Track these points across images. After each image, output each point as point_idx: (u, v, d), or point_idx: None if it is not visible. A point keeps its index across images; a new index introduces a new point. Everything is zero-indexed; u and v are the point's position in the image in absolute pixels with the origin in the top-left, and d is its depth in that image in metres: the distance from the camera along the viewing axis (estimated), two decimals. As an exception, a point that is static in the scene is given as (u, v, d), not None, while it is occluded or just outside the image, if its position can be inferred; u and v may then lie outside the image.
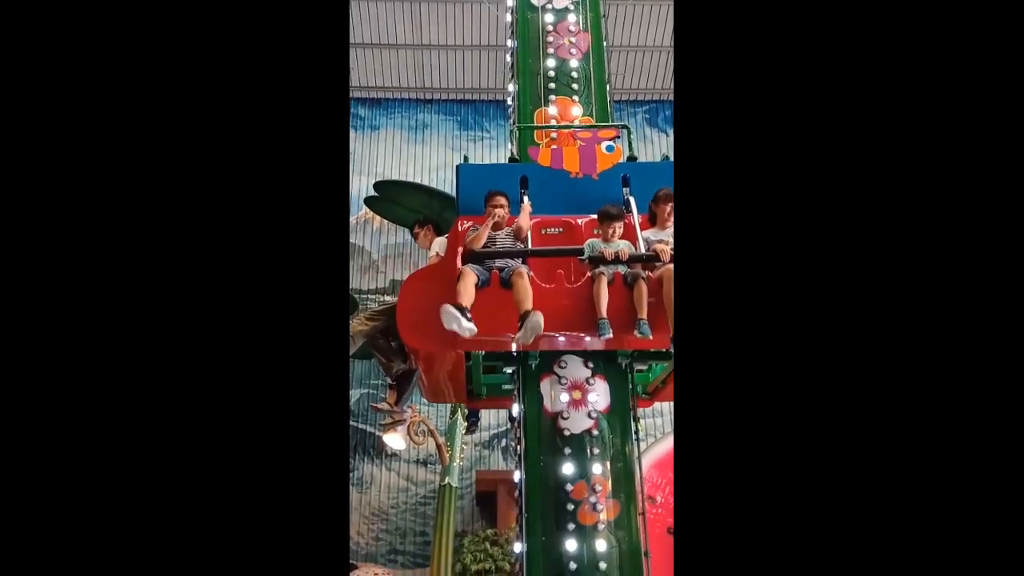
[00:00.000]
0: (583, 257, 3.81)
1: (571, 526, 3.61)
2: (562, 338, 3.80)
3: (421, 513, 8.15)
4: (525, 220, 3.96)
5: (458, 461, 7.52)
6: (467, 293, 3.59)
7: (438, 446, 7.29)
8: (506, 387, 4.41)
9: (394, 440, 6.62)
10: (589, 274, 3.73)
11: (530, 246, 3.97)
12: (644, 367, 4.33)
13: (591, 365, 3.97)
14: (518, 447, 3.97)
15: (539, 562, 3.60)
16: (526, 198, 4.12)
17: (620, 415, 3.93)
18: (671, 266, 3.63)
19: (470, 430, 6.36)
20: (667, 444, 7.09)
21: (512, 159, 4.54)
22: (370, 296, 9.34)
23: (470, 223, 4.06)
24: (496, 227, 3.99)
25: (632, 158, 4.51)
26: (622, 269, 3.80)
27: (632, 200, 4.16)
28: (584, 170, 4.30)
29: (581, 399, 3.89)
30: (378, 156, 9.94)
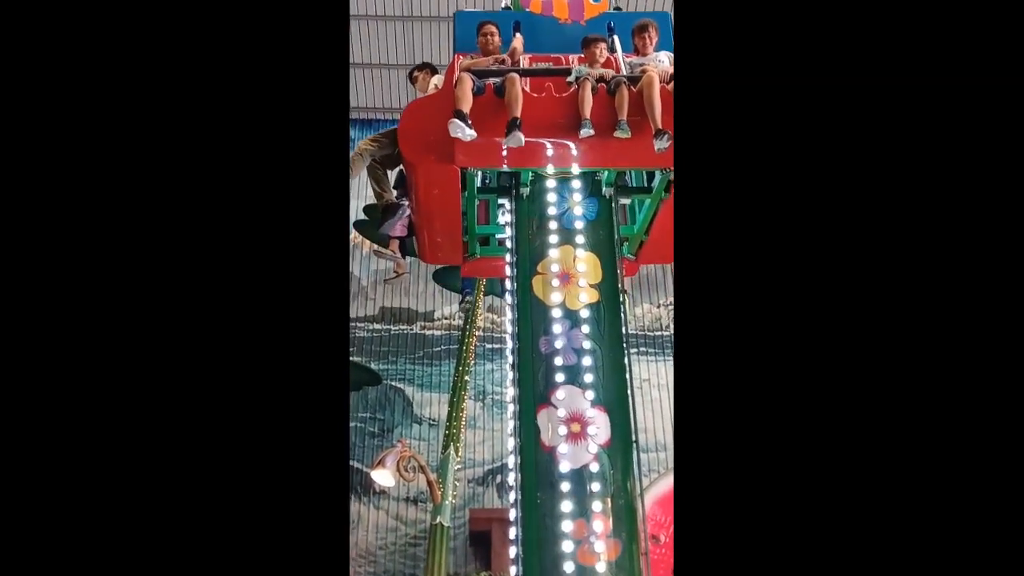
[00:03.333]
0: (571, 78, 4.21)
1: (570, 567, 3.64)
2: (550, 148, 4.25)
3: (411, 555, 8.13)
4: (519, 44, 4.47)
5: (450, 499, 7.50)
6: (465, 98, 4.07)
7: (429, 483, 7.27)
8: (500, 237, 4.86)
9: (383, 477, 6.62)
10: (575, 83, 4.16)
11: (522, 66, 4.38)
12: (627, 200, 4.79)
13: (590, 396, 4.04)
14: (514, 483, 4.01)
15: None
16: (518, 35, 4.63)
17: (622, 450, 3.98)
18: (652, 72, 4.14)
19: (464, 304, 6.40)
20: (670, 480, 7.11)
21: (506, 8, 5.13)
22: (359, 324, 9.41)
23: (466, 58, 4.49)
24: (489, 55, 4.48)
25: (617, 8, 5.08)
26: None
27: (617, 40, 4.60)
28: (572, 16, 4.87)
29: (580, 432, 3.94)
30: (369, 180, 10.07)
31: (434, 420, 8.84)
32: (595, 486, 3.83)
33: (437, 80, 4.80)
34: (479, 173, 4.73)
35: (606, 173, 4.57)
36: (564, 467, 3.86)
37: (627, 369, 4.22)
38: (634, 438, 4.03)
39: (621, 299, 4.33)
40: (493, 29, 4.59)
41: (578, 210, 4.49)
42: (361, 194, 9.90)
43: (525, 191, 4.52)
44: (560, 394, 4.03)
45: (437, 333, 9.60)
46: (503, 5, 5.21)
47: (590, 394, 4.03)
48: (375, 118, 10.41)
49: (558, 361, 4.12)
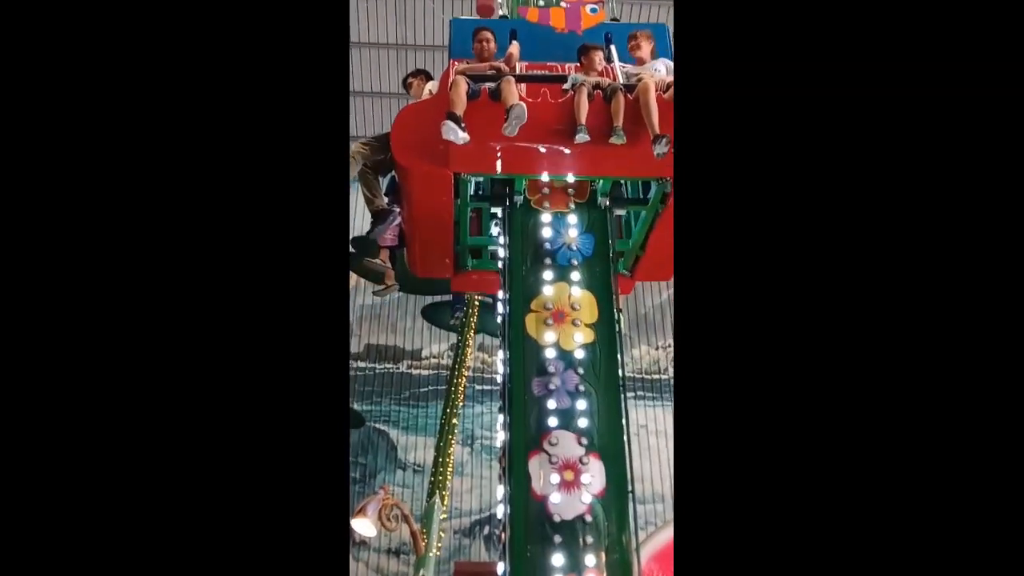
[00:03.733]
0: (567, 86, 4.29)
1: (561, 628, 3.49)
2: (543, 149, 4.29)
3: (392, 610, 7.88)
4: (515, 51, 4.51)
5: (435, 551, 7.28)
6: (460, 100, 4.13)
7: (412, 533, 7.06)
8: (492, 248, 4.94)
9: (363, 526, 6.42)
10: (571, 90, 4.24)
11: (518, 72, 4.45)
12: (622, 212, 4.83)
13: (584, 442, 3.92)
14: (502, 535, 3.87)
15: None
16: (515, 42, 4.66)
17: (617, 503, 3.85)
18: (648, 79, 4.23)
19: (455, 319, 6.38)
20: (668, 534, 6.93)
21: (503, 17, 5.29)
22: (342, 362, 9.30)
23: (462, 63, 4.56)
24: (484, 61, 4.56)
25: (614, 19, 5.19)
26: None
27: (614, 49, 4.67)
28: (569, 27, 4.97)
29: (574, 481, 3.82)
30: (358, 209, 10.05)
31: (419, 466, 8.67)
32: (589, 539, 3.69)
33: (432, 86, 4.88)
34: (472, 182, 4.75)
35: (601, 182, 4.59)
36: (556, 518, 3.73)
37: (624, 414, 4.11)
38: (630, 488, 3.91)
39: (616, 319, 4.30)
40: (489, 35, 4.66)
41: (574, 245, 4.44)
42: (350, 225, 9.90)
43: (519, 199, 4.54)
44: (553, 439, 3.91)
45: (424, 373, 9.48)
46: (499, 15, 5.36)
47: (585, 440, 3.92)
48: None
49: (551, 404, 4.02)
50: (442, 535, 7.64)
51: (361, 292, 9.52)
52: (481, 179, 4.81)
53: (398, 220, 4.92)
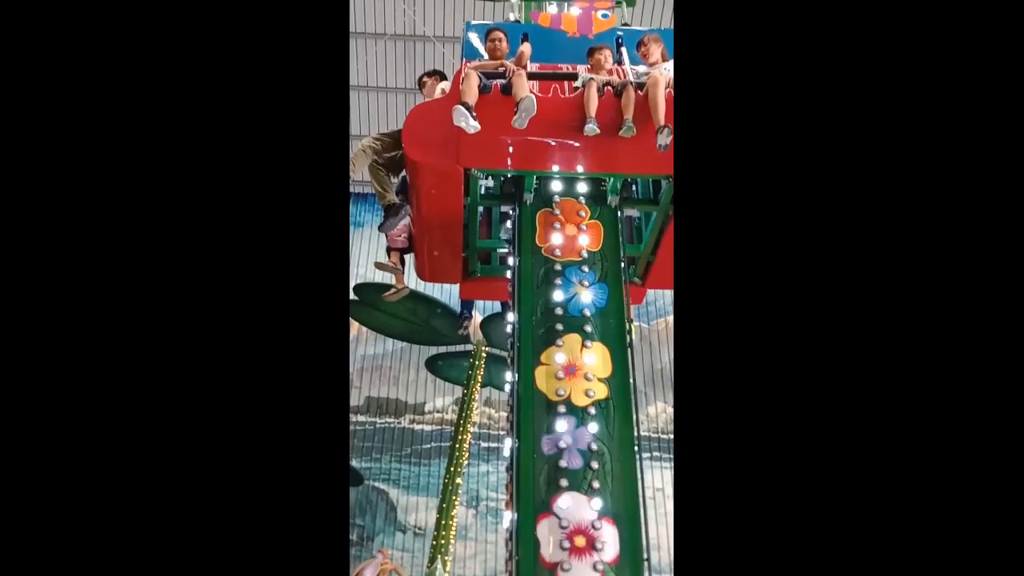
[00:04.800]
0: (577, 83, 4.55)
1: None
2: (554, 143, 4.53)
3: None
4: (526, 51, 4.77)
5: (436, 621, 7.19)
6: (471, 92, 4.43)
7: (412, 602, 6.99)
8: (502, 251, 5.17)
9: (360, 592, 6.35)
10: (582, 86, 4.50)
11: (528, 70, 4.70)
12: (635, 213, 5.06)
13: (597, 505, 3.91)
14: (509, 602, 3.84)
15: None
16: (526, 43, 4.94)
17: (632, 569, 3.82)
18: (656, 74, 4.51)
19: (462, 326, 6.38)
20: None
21: (515, 21, 5.57)
22: (341, 416, 9.27)
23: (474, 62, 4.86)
24: (496, 59, 4.85)
25: (626, 25, 5.50)
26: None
27: (625, 53, 4.95)
28: (581, 31, 5.30)
29: (586, 547, 3.80)
30: (360, 256, 10.20)
31: (420, 528, 8.57)
32: (602, 612, 3.65)
33: (445, 85, 5.17)
34: (482, 184, 4.92)
35: (611, 181, 4.77)
36: (567, 588, 3.67)
37: (639, 476, 4.10)
38: (646, 556, 3.87)
39: (627, 328, 4.43)
40: (501, 35, 5.03)
41: (586, 296, 4.50)
42: (351, 272, 10.00)
43: (528, 198, 4.73)
44: (563, 502, 3.90)
45: (427, 428, 9.45)
46: (512, 18, 5.65)
47: (597, 503, 3.91)
48: (367, 192, 10.60)
49: (562, 464, 4.01)
50: (444, 605, 7.54)
51: (363, 342, 9.58)
52: (491, 184, 5.04)
53: (408, 219, 5.12)
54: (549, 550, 3.81)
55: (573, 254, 4.63)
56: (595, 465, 4.02)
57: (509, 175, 4.84)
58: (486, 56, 5.01)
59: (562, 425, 4.09)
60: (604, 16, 5.40)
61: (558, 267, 4.57)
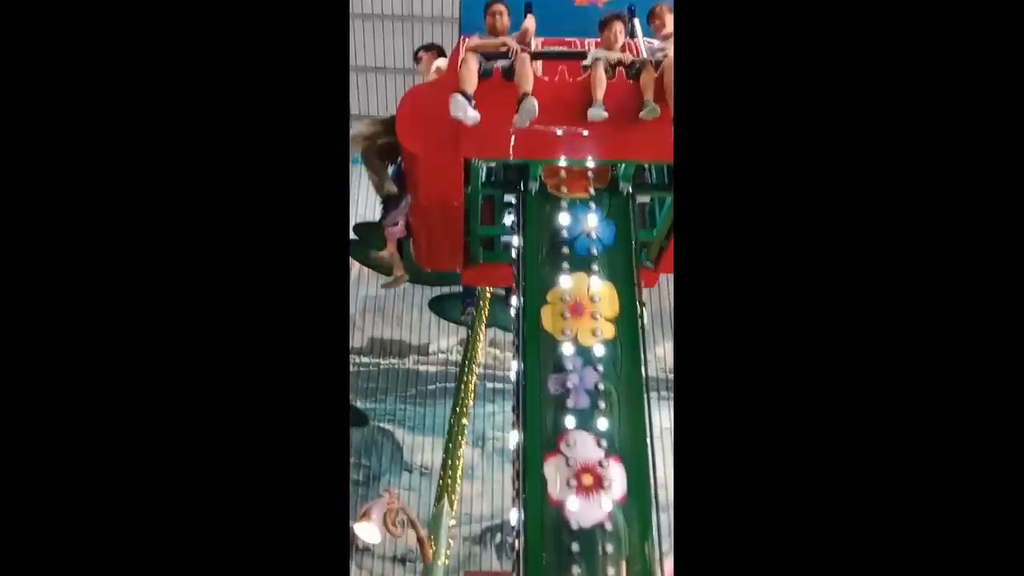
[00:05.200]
0: (587, 62, 4.31)
1: (579, 641, 3.55)
2: (561, 132, 4.29)
3: (397, 622, 7.98)
4: (530, 25, 4.54)
5: (443, 559, 7.38)
6: (470, 78, 4.16)
7: (419, 540, 7.16)
8: (505, 239, 4.96)
9: (367, 531, 6.52)
10: (590, 64, 4.27)
11: (532, 49, 4.46)
12: (646, 199, 4.84)
13: (604, 444, 3.97)
14: (515, 542, 3.93)
15: None
16: (530, 16, 4.69)
17: (639, 508, 3.90)
18: (671, 55, 4.20)
19: (465, 314, 6.42)
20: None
21: None
22: (344, 357, 9.37)
23: (474, 37, 4.58)
24: (498, 34, 4.55)
25: None
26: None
27: (637, 24, 4.71)
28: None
29: (593, 486, 3.87)
30: (359, 193, 10.12)
31: (426, 468, 8.75)
32: (609, 547, 3.74)
33: (441, 63, 4.93)
34: (483, 168, 4.77)
35: (623, 167, 4.60)
36: (574, 525, 3.78)
37: (647, 415, 4.16)
38: (654, 494, 3.96)
39: (639, 313, 4.33)
40: (502, 8, 4.69)
41: (593, 234, 4.48)
42: (351, 210, 9.96)
43: (534, 186, 4.56)
44: (570, 441, 3.96)
45: (432, 369, 9.55)
46: None
47: (604, 442, 3.97)
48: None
49: (569, 403, 4.06)
50: (451, 542, 7.74)
51: (365, 282, 9.59)
52: (493, 164, 4.83)
53: (406, 206, 4.97)
54: (556, 488, 3.89)
55: (581, 191, 4.58)
56: (602, 404, 4.08)
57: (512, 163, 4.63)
58: (485, 32, 4.69)
59: (569, 365, 4.13)
60: None
61: (564, 205, 4.55)
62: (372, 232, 8.54)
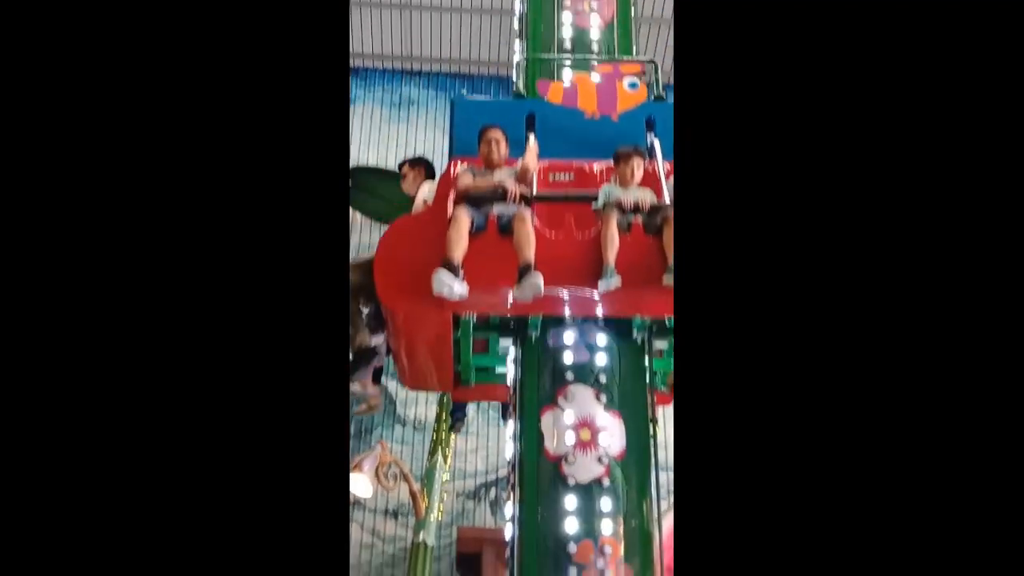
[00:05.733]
0: (597, 204, 3.93)
1: (573, 596, 3.59)
2: (566, 295, 3.86)
3: (388, 576, 8.11)
4: (531, 159, 4.03)
5: (436, 514, 7.46)
6: (459, 243, 3.70)
7: (412, 494, 7.23)
8: (500, 370, 4.47)
9: (359, 484, 6.58)
10: (602, 211, 3.85)
11: (535, 190, 4.05)
12: (663, 344, 4.29)
13: (603, 399, 3.96)
14: (511, 493, 3.95)
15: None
16: (532, 137, 4.19)
17: (638, 463, 3.91)
18: (671, 216, 3.73)
19: (455, 428, 6.35)
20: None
21: (517, 94, 4.67)
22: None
23: (465, 164, 4.15)
24: (494, 167, 4.10)
25: (659, 98, 4.63)
26: (641, 219, 3.88)
27: (658, 144, 4.25)
28: (602, 109, 4.41)
29: (591, 441, 3.88)
30: (353, 136, 9.98)
31: (420, 422, 8.78)
32: (606, 504, 3.77)
33: (429, 191, 4.40)
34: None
35: (638, 318, 4.12)
36: (571, 480, 3.80)
37: (647, 370, 4.15)
38: (653, 451, 3.97)
39: (652, 432, 3.99)
40: (499, 136, 4.14)
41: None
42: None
43: (534, 334, 4.10)
44: (569, 395, 3.96)
45: (427, 321, 9.52)
46: (513, 91, 4.75)
47: (604, 397, 3.97)
48: (359, 65, 10.26)
49: (568, 357, 4.06)
50: (444, 497, 7.80)
51: (357, 231, 9.52)
52: None
53: (381, 362, 4.53)
54: (553, 443, 3.90)
55: None
56: (602, 358, 4.06)
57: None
58: (479, 155, 4.15)
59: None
60: (632, 87, 4.45)
61: None
62: (369, 177, 8.45)
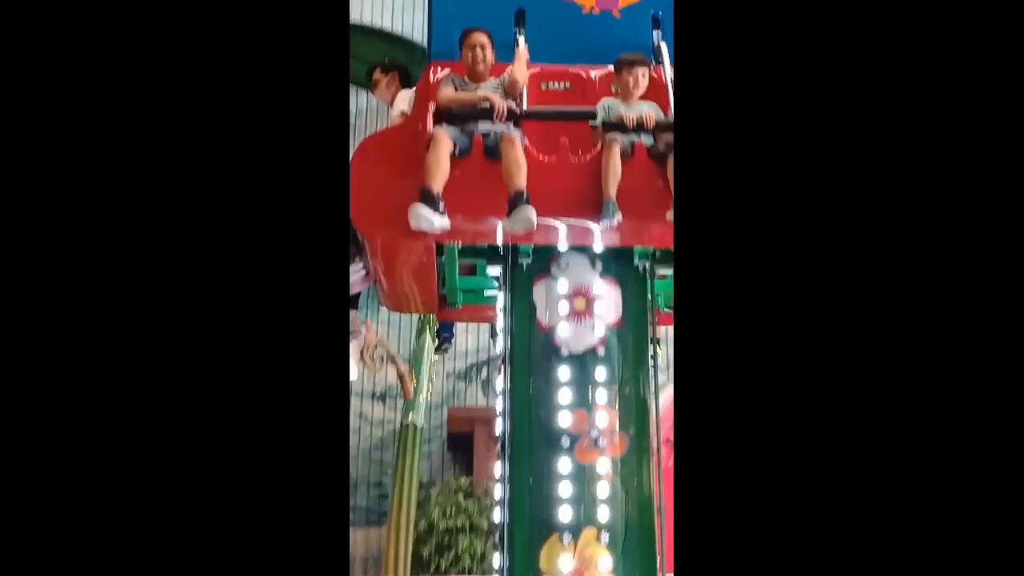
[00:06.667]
0: (595, 122, 3.76)
1: (566, 466, 3.67)
2: (563, 227, 3.75)
3: (377, 460, 8.32)
4: (520, 70, 3.86)
5: (425, 395, 7.59)
6: (439, 170, 3.53)
7: (400, 376, 7.30)
8: (488, 293, 4.43)
9: (344, 365, 6.64)
10: (600, 128, 3.71)
11: (525, 105, 3.88)
12: (668, 271, 4.23)
13: (599, 266, 3.93)
14: (502, 367, 3.98)
15: (524, 514, 3.67)
16: (522, 40, 4.04)
17: (635, 332, 3.93)
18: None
19: (441, 349, 6.38)
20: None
21: None
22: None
23: (446, 70, 3.97)
24: (479, 78, 3.90)
25: None
26: (646, 140, 3.75)
27: (664, 47, 4.08)
28: (602, 5, 4.22)
29: (585, 310, 3.88)
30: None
31: (407, 302, 8.82)
32: (600, 374, 3.81)
33: (405, 101, 4.14)
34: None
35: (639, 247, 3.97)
36: (564, 351, 3.82)
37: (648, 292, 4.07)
38: (651, 319, 3.99)
39: (652, 352, 3.93)
40: (484, 41, 3.85)
41: None
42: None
43: (526, 261, 3.92)
44: (562, 263, 3.93)
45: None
46: None
47: (599, 264, 3.94)
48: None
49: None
50: (434, 378, 7.93)
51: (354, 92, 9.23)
52: None
53: (362, 272, 4.33)
54: (546, 313, 3.90)
55: None
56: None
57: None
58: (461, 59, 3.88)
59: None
60: None
61: None
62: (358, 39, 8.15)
